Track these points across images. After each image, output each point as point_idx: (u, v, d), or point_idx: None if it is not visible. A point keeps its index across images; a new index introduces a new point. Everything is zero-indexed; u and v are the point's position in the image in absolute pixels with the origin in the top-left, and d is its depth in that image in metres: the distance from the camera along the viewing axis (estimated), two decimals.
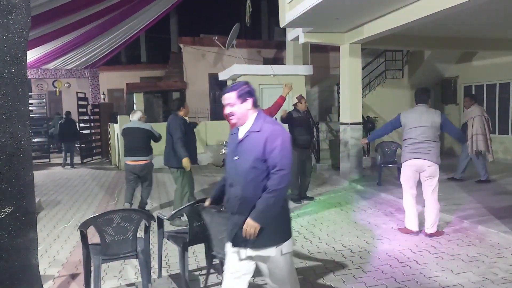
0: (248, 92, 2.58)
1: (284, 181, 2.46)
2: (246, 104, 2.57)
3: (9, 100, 1.01)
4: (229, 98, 2.59)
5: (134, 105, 16.11)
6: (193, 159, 5.66)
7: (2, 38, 0.96)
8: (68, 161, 12.09)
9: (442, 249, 4.55)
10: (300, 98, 7.06)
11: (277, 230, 2.55)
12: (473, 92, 11.47)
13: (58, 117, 14.59)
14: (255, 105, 2.61)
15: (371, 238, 5.03)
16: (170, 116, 5.79)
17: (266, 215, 2.47)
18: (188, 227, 3.76)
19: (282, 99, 5.78)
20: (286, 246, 2.57)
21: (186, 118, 5.81)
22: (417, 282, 3.74)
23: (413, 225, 5.09)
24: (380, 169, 8.20)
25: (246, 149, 2.55)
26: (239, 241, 2.55)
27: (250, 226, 2.45)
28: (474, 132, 7.65)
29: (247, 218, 2.47)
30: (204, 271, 4.12)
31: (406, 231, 5.14)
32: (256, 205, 2.47)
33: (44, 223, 6.09)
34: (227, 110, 2.61)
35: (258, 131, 2.52)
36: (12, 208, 1.04)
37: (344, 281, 3.80)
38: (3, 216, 1.02)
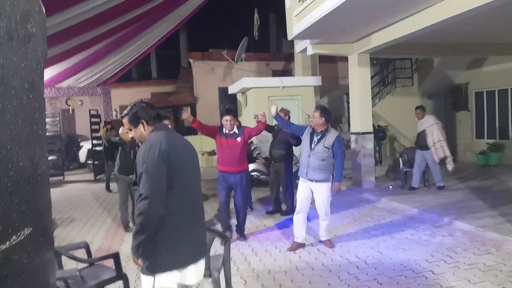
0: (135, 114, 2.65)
1: (145, 208, 2.24)
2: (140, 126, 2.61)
3: (27, 124, 1.06)
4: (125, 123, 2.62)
5: None
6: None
7: (21, 66, 1.02)
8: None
9: (458, 259, 4.50)
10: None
11: (149, 258, 2.35)
12: (485, 98, 11.40)
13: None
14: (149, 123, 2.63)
15: (385, 248, 4.99)
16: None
17: (135, 243, 2.30)
18: None
19: (263, 125, 5.65)
20: (159, 280, 2.35)
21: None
22: None
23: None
24: (403, 173, 8.53)
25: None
26: None
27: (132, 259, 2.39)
28: (436, 140, 7.77)
29: None
30: None
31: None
32: None
33: (59, 240, 6.14)
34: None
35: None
36: (31, 229, 1.09)
37: None
38: (22, 238, 1.06)
